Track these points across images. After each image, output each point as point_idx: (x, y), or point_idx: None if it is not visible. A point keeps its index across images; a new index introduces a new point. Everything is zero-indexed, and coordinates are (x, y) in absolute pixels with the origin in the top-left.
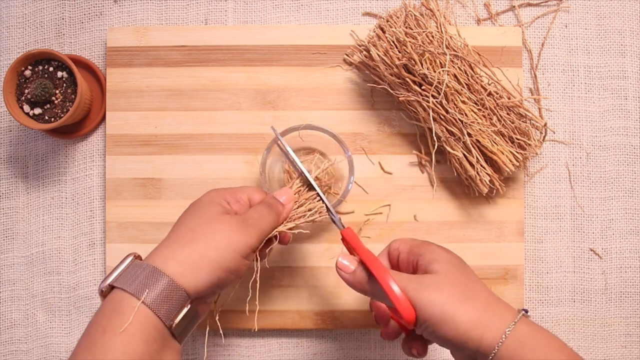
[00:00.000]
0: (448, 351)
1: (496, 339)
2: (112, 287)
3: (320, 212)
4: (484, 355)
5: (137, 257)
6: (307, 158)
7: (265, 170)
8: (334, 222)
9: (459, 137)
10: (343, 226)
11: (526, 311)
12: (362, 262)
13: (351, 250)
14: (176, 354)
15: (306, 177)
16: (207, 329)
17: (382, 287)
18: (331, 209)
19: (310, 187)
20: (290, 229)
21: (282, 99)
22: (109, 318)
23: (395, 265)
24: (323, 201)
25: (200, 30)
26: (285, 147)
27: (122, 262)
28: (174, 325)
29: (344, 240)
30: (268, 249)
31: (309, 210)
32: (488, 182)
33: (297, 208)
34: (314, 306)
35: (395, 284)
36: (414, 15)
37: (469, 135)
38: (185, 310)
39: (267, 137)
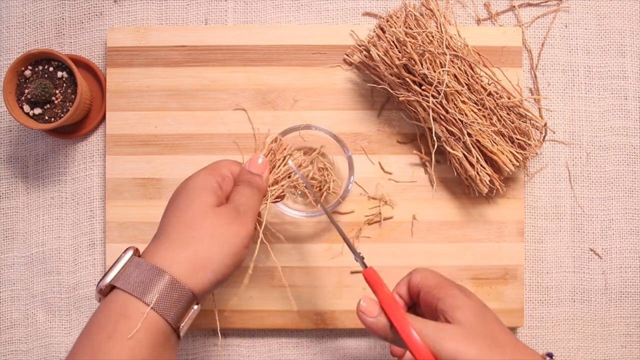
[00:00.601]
0: None
1: None
2: (112, 287)
3: (301, 166)
4: None
5: (136, 251)
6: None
7: None
8: (356, 260)
9: (459, 137)
10: (365, 265)
11: (551, 355)
12: (381, 307)
13: (373, 291)
14: (174, 350)
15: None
16: (210, 328)
17: (402, 339)
18: (354, 248)
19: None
20: (277, 197)
21: (282, 99)
22: (115, 322)
23: (416, 298)
24: (345, 238)
25: (200, 30)
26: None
27: (120, 257)
28: (181, 327)
29: (366, 280)
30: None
31: (289, 173)
32: (488, 182)
33: (278, 167)
34: (314, 306)
35: (418, 336)
36: (414, 15)
37: (469, 135)
38: (192, 311)
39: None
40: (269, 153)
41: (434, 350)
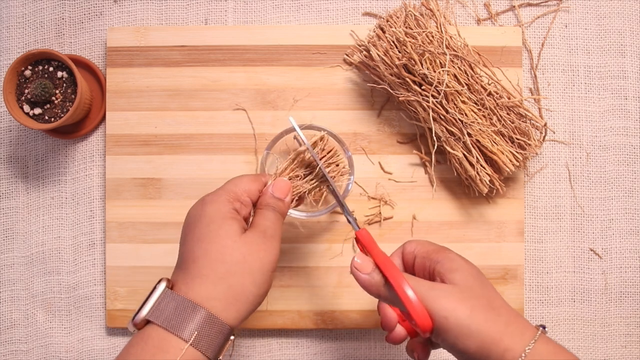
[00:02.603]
0: (449, 355)
1: (516, 357)
2: (147, 320)
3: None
4: None
5: (169, 282)
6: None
7: (265, 171)
8: (349, 222)
9: (459, 137)
10: (358, 227)
11: (544, 327)
12: (376, 265)
13: (365, 252)
14: None
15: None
16: None
17: (397, 293)
18: (347, 208)
19: (312, 173)
20: (295, 206)
21: (282, 99)
22: (152, 355)
23: (410, 268)
24: (337, 199)
25: (200, 30)
26: (299, 135)
27: (154, 290)
28: (220, 358)
29: (358, 241)
30: None
31: (311, 185)
32: (488, 182)
33: (303, 182)
34: (314, 306)
35: (412, 291)
36: (414, 15)
37: (469, 135)
38: (229, 342)
39: (267, 137)
40: (290, 172)
41: (427, 308)
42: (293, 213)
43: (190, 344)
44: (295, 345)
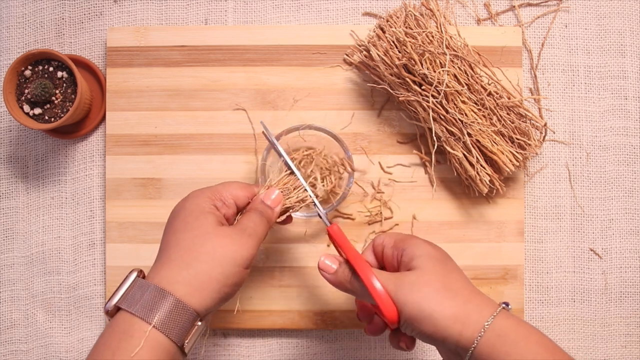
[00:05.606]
0: None
1: (475, 334)
2: (118, 308)
3: (306, 203)
4: (464, 350)
5: (140, 273)
6: (305, 153)
7: (265, 171)
8: (320, 217)
9: (459, 137)
10: (329, 222)
11: (507, 304)
12: (347, 261)
13: (337, 247)
14: None
15: (292, 170)
16: (210, 328)
17: (365, 286)
18: (318, 203)
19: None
20: (283, 221)
21: (282, 99)
22: (118, 340)
23: (381, 261)
24: (310, 195)
25: (200, 30)
26: (271, 139)
27: (125, 279)
28: (185, 344)
29: (330, 237)
30: None
31: (299, 200)
32: (488, 182)
33: (287, 198)
34: (314, 306)
35: (379, 283)
36: (414, 15)
37: (469, 135)
38: (196, 328)
39: None
40: (284, 185)
41: (393, 299)
42: (295, 214)
43: (154, 326)
44: (295, 345)
